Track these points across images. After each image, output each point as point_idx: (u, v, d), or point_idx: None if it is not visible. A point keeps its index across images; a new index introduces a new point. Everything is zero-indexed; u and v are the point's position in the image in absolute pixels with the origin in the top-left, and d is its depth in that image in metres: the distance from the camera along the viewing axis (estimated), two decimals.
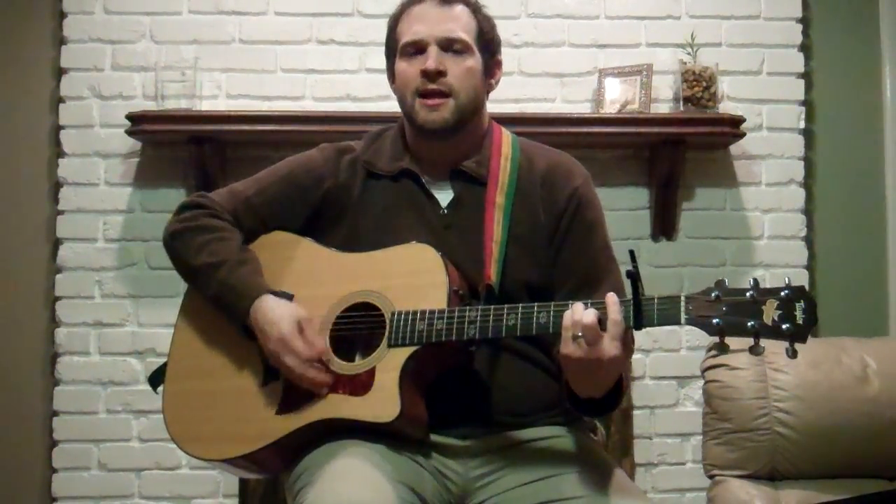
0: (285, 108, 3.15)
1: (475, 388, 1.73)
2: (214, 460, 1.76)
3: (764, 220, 3.27)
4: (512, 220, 1.78)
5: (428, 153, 1.85)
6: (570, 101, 3.25)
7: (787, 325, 1.39)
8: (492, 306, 1.62)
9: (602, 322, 1.47)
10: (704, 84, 3.13)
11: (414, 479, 1.60)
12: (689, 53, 3.16)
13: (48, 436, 3.13)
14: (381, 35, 3.07)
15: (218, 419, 1.75)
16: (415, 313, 1.63)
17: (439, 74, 1.77)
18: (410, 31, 1.81)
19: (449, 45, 1.79)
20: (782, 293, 1.41)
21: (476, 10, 1.85)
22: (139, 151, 3.18)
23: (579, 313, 1.48)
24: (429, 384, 1.68)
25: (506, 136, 1.89)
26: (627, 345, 1.50)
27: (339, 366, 1.68)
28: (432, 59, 1.77)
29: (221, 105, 3.18)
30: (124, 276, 3.16)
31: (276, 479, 2.54)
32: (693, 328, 1.45)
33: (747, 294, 1.43)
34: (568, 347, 1.49)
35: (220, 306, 1.77)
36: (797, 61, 3.30)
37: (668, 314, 1.46)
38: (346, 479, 1.53)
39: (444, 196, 1.83)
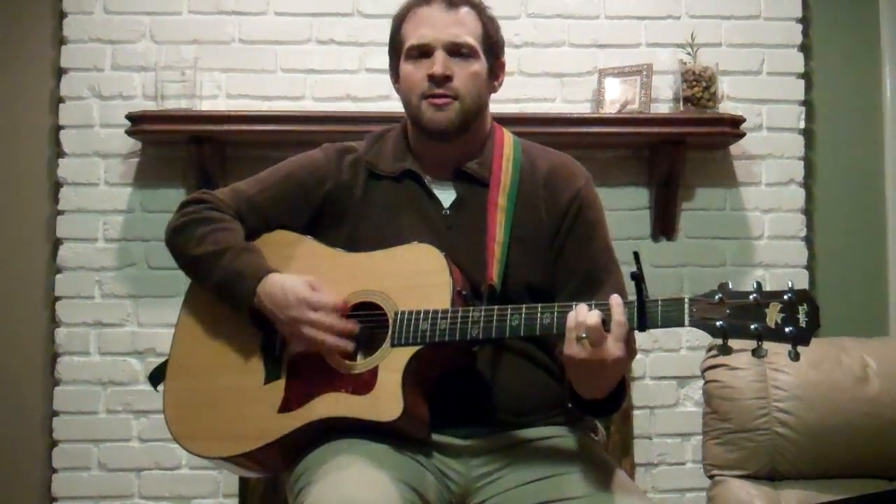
0: (285, 108, 3.15)
1: (477, 388, 1.73)
2: (215, 458, 1.75)
3: (764, 220, 3.27)
4: (514, 221, 1.79)
5: (431, 154, 1.85)
6: (570, 101, 3.25)
7: (791, 328, 1.39)
8: (495, 307, 1.62)
9: (606, 323, 1.47)
10: (704, 84, 3.13)
11: (416, 478, 1.60)
12: (689, 53, 3.16)
13: (48, 436, 3.13)
14: (381, 35, 3.08)
15: (219, 417, 1.75)
16: (418, 313, 1.63)
17: (446, 79, 1.77)
18: (416, 34, 1.80)
19: (456, 50, 1.79)
20: (785, 296, 1.41)
21: (481, 12, 1.85)
22: (139, 151, 3.18)
23: (583, 314, 1.48)
24: (431, 384, 1.68)
25: (508, 137, 1.90)
26: (631, 346, 1.50)
27: (342, 365, 1.68)
28: (439, 63, 1.77)
29: (221, 105, 3.18)
30: (124, 276, 3.16)
31: (276, 478, 2.54)
32: (694, 328, 1.46)
33: (750, 297, 1.43)
34: (572, 348, 1.49)
35: (224, 293, 1.76)
36: (797, 61, 3.30)
37: (671, 316, 1.46)
38: (347, 478, 1.53)
39: (446, 197, 1.83)
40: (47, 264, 3.18)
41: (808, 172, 3.31)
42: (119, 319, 3.15)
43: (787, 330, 1.39)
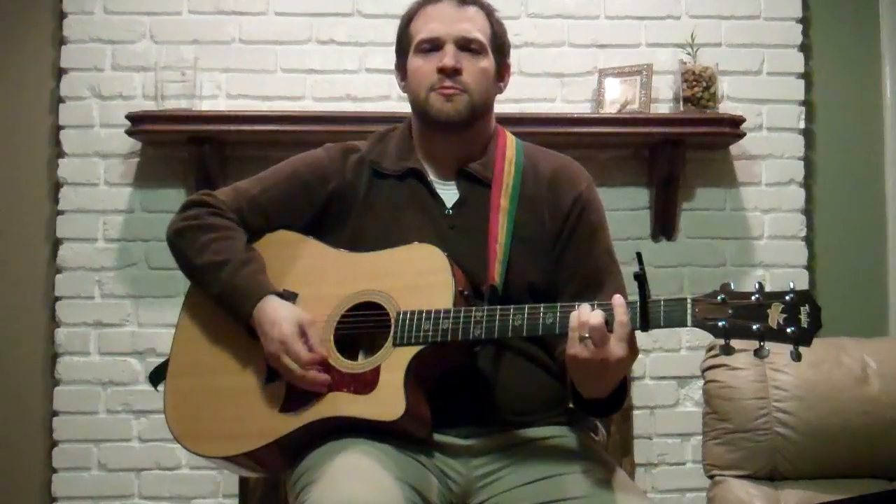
0: (285, 108, 3.14)
1: (478, 388, 1.73)
2: (216, 458, 1.76)
3: (764, 220, 3.27)
4: (516, 222, 1.79)
5: (435, 151, 1.86)
6: (570, 101, 3.25)
7: (792, 329, 1.39)
8: (497, 307, 1.62)
9: (608, 323, 1.48)
10: (704, 84, 3.13)
11: (417, 478, 1.61)
12: (689, 53, 3.16)
13: (48, 436, 3.13)
14: (381, 35, 3.15)
15: (220, 416, 1.75)
16: (420, 313, 1.64)
17: (456, 72, 1.78)
18: (427, 29, 1.82)
19: (466, 45, 1.80)
20: (787, 297, 1.42)
21: (490, 14, 1.87)
22: (139, 151, 3.18)
23: (586, 314, 1.49)
24: (433, 384, 1.68)
25: (510, 139, 1.90)
26: (634, 346, 1.50)
27: (344, 364, 1.68)
28: (450, 56, 1.78)
29: (221, 105, 3.18)
30: (124, 276, 3.16)
31: (276, 478, 2.55)
32: (694, 328, 1.46)
33: (752, 297, 1.43)
34: (575, 348, 1.50)
35: (223, 306, 1.77)
36: (797, 61, 3.30)
37: (674, 316, 1.47)
38: (348, 477, 1.53)
39: (449, 197, 1.84)
40: (47, 264, 3.18)
41: (808, 172, 3.31)
42: (119, 319, 3.15)
43: (788, 330, 1.40)
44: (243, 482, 3.02)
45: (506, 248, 1.76)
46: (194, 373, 1.80)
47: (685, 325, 1.46)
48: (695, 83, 3.13)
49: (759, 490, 2.34)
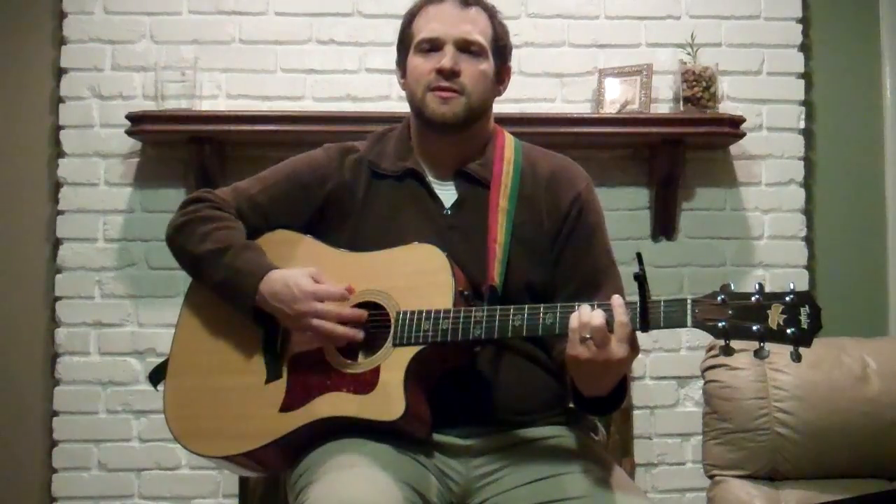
0: (285, 108, 3.14)
1: (478, 388, 1.73)
2: (216, 458, 1.76)
3: (764, 220, 3.27)
4: (515, 222, 1.79)
5: (433, 151, 1.86)
6: (570, 101, 3.25)
7: (792, 330, 1.40)
8: (497, 307, 1.62)
9: (609, 324, 1.48)
10: (704, 84, 3.13)
11: (417, 478, 1.61)
12: (689, 53, 3.16)
13: (48, 436, 3.13)
14: (381, 35, 3.14)
15: (220, 416, 1.75)
16: (420, 313, 1.64)
17: (454, 74, 1.78)
18: (428, 28, 1.82)
19: (466, 47, 1.80)
20: (787, 297, 1.42)
21: (493, 16, 1.87)
22: (139, 151, 3.18)
23: (587, 315, 1.49)
24: (432, 384, 1.68)
25: (509, 140, 1.90)
26: (635, 345, 1.50)
27: (344, 364, 1.68)
28: (449, 57, 1.78)
29: (221, 105, 3.18)
30: (124, 276, 3.16)
31: (276, 478, 2.54)
32: (694, 329, 1.46)
33: (753, 298, 1.43)
34: (576, 349, 1.50)
35: (226, 292, 1.76)
36: (797, 61, 3.30)
37: (674, 317, 1.47)
38: (348, 477, 1.53)
39: (447, 197, 1.84)
40: (47, 264, 3.18)
41: (808, 172, 3.31)
42: (119, 319, 3.15)
43: (788, 331, 1.40)
44: (243, 482, 3.01)
45: (505, 248, 1.76)
46: (194, 372, 1.80)
47: (685, 326, 1.46)
48: (695, 83, 3.13)
49: (759, 490, 2.34)
